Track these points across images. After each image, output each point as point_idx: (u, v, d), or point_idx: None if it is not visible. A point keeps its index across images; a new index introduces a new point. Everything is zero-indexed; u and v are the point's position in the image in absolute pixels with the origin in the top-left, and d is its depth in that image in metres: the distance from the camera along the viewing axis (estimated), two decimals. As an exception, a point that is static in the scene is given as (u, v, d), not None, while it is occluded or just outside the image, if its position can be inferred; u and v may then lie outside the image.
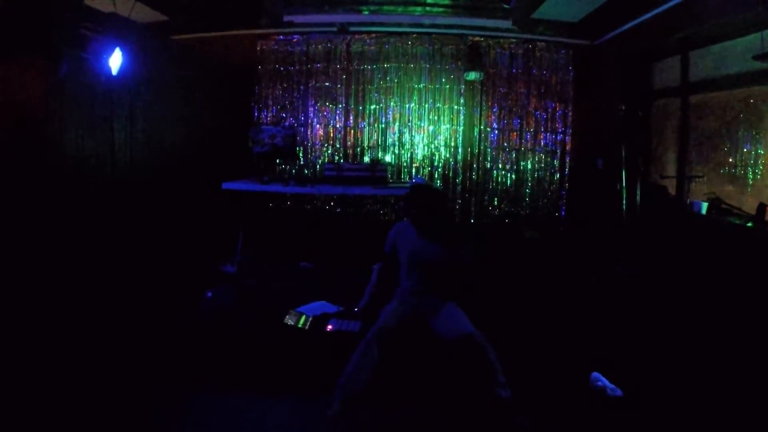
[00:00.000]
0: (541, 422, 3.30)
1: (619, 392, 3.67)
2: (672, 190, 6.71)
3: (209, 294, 5.13)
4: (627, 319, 5.06)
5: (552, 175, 8.42)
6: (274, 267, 6.67)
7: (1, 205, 5.19)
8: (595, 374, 3.85)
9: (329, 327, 4.37)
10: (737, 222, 5.33)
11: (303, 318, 4.66)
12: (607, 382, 3.75)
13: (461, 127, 8.36)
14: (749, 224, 5.13)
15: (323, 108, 8.41)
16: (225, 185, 6.31)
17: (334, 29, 8.08)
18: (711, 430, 3.30)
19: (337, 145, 8.40)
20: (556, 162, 8.41)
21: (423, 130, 8.37)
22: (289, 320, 4.67)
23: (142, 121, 6.92)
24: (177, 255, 6.30)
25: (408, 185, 6.47)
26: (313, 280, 6.24)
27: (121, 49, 5.94)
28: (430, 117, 8.35)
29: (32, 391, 3.52)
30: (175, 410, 3.50)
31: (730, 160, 6.02)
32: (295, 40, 8.32)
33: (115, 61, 5.94)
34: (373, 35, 8.27)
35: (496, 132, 8.37)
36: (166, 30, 7.90)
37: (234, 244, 6.51)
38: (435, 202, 3.78)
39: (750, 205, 5.44)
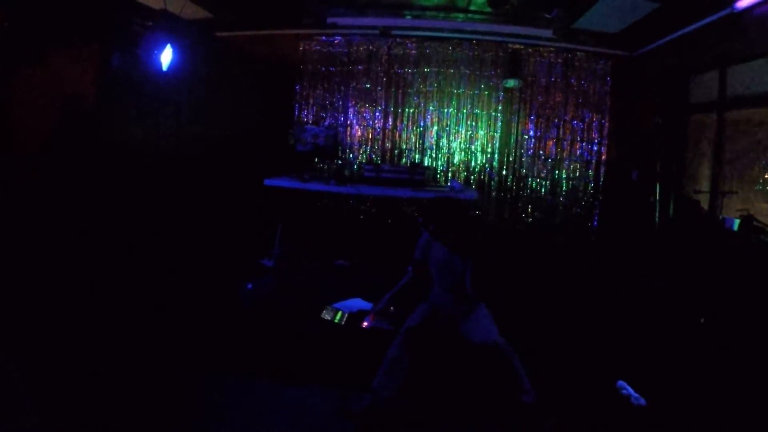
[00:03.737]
0: (565, 428, 3.41)
1: (643, 401, 3.76)
2: (705, 205, 6.73)
3: (249, 286, 5.30)
4: (653, 331, 5.12)
5: (586, 184, 8.48)
6: (311, 263, 6.84)
7: (54, 187, 5.39)
8: (621, 383, 3.95)
9: (365, 324, 4.50)
10: (768, 239, 5.37)
11: (339, 314, 4.82)
12: (632, 391, 3.84)
13: (498, 134, 8.47)
14: (780, 242, 5.17)
15: (362, 109, 8.59)
16: (267, 182, 6.47)
17: (377, 32, 8.23)
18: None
19: (375, 147, 8.57)
20: (590, 172, 8.46)
21: (460, 135, 8.50)
22: (326, 315, 4.84)
23: (188, 115, 7.13)
24: (218, 247, 6.49)
25: (445, 189, 6.60)
26: (348, 277, 6.39)
27: (171, 46, 6.16)
28: (468, 122, 8.48)
29: (85, 369, 3.73)
30: (212, 393, 3.69)
31: (766, 176, 6.04)
32: (336, 41, 8.49)
33: (166, 57, 6.16)
34: (414, 39, 8.41)
35: (533, 140, 8.46)
36: (212, 27, 8.12)
37: (273, 239, 6.70)
38: (452, 217, 3.87)
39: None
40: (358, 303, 5.15)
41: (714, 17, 6.11)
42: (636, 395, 3.80)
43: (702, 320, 5.18)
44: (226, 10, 7.74)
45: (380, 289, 4.91)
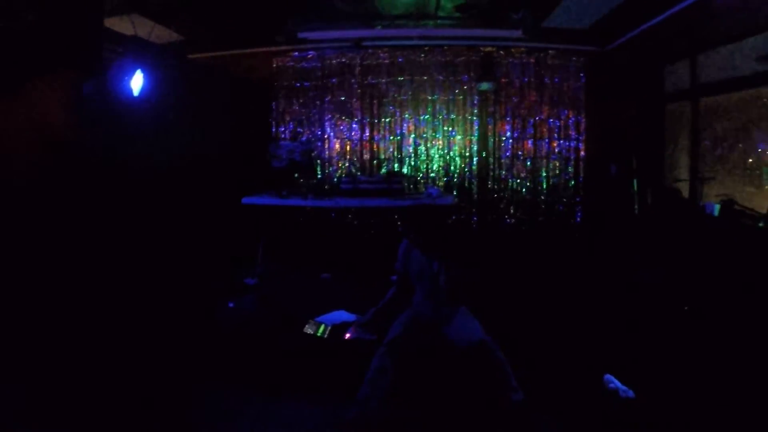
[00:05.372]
0: (554, 423, 3.39)
1: (631, 393, 3.74)
2: (685, 193, 6.75)
3: (231, 304, 5.27)
4: (639, 322, 5.11)
5: (567, 182, 8.49)
6: (294, 278, 6.81)
7: (27, 217, 5.34)
8: (608, 376, 3.92)
9: (347, 335, 4.47)
10: (749, 223, 5.37)
11: (322, 327, 4.78)
12: (619, 384, 3.82)
13: (475, 137, 8.49)
14: (761, 224, 5.17)
15: (339, 122, 8.59)
16: (245, 200, 6.46)
17: (349, 44, 8.24)
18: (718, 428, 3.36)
19: (354, 159, 8.56)
20: (570, 169, 8.48)
21: (438, 141, 8.50)
22: (309, 329, 4.79)
23: (163, 140, 7.08)
24: (200, 268, 6.45)
25: (422, 196, 6.58)
26: (331, 290, 6.37)
27: (142, 71, 6.14)
28: (445, 128, 8.49)
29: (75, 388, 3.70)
30: (201, 413, 3.65)
31: (748, 161, 6.06)
32: (309, 56, 8.51)
33: (137, 82, 6.14)
34: (386, 49, 8.43)
35: (511, 141, 8.46)
36: (184, 50, 8.10)
37: (255, 257, 6.65)
38: (430, 223, 3.90)
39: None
40: (341, 315, 5.12)
41: (682, 5, 6.15)
42: (624, 388, 3.79)
43: (686, 308, 5.17)
44: (197, 33, 7.74)
45: (364, 300, 4.90)
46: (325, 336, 4.71)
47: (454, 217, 8.36)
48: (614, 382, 3.86)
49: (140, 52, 6.34)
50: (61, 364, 4.09)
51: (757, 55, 5.26)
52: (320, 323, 4.85)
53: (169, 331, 4.86)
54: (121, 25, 6.52)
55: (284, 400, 3.81)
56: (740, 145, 6.15)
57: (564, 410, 3.60)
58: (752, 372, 3.97)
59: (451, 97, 8.45)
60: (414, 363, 3.72)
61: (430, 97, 8.46)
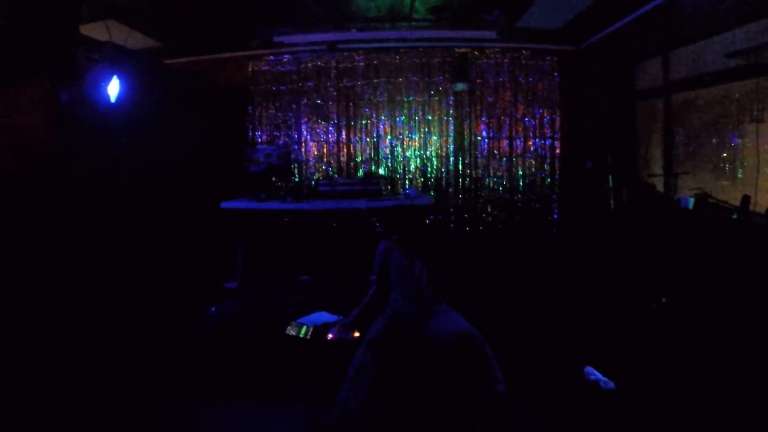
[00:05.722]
0: (537, 415, 3.41)
1: (611, 385, 3.79)
2: (660, 188, 6.84)
3: (213, 309, 5.25)
4: (618, 315, 5.18)
5: (543, 179, 8.55)
6: (275, 281, 6.81)
7: (7, 225, 5.29)
8: (589, 368, 3.97)
9: (330, 336, 4.49)
10: (723, 215, 5.48)
11: (304, 328, 4.80)
12: (600, 376, 3.87)
13: (451, 137, 8.51)
14: (734, 216, 5.27)
15: (316, 125, 8.57)
16: (224, 204, 6.44)
17: (324, 48, 8.24)
18: (699, 418, 3.41)
19: (332, 161, 8.55)
20: (546, 167, 8.54)
21: (414, 142, 8.53)
22: (291, 331, 4.82)
23: (141, 145, 7.05)
24: (179, 274, 6.41)
25: (400, 196, 6.62)
26: (311, 292, 6.40)
27: (118, 77, 6.10)
28: (421, 129, 8.51)
29: (47, 403, 3.65)
30: (183, 418, 3.63)
31: (722, 155, 6.16)
32: (285, 59, 8.48)
33: (114, 89, 6.11)
34: (362, 52, 8.44)
35: (486, 140, 8.52)
36: (159, 55, 8.06)
37: (235, 261, 6.63)
38: (409, 223, 3.96)
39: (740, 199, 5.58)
40: (322, 316, 5.15)
41: (652, 5, 6.23)
42: (604, 379, 3.83)
43: (663, 299, 5.25)
44: (173, 38, 7.69)
45: (343, 301, 4.93)
46: (308, 337, 4.74)
47: (432, 218, 8.39)
48: (595, 373, 3.91)
49: (116, 58, 6.30)
50: (34, 372, 4.06)
51: (727, 52, 5.36)
52: (302, 324, 4.87)
53: (150, 336, 4.84)
54: (96, 31, 6.46)
55: (266, 404, 3.79)
56: (713, 140, 6.26)
57: (546, 402, 3.63)
58: (728, 360, 4.06)
59: (426, 98, 8.48)
60: (395, 362, 3.74)
61: (405, 99, 8.47)
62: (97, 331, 4.86)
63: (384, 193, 7.05)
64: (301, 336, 4.74)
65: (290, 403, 3.80)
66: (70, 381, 4.00)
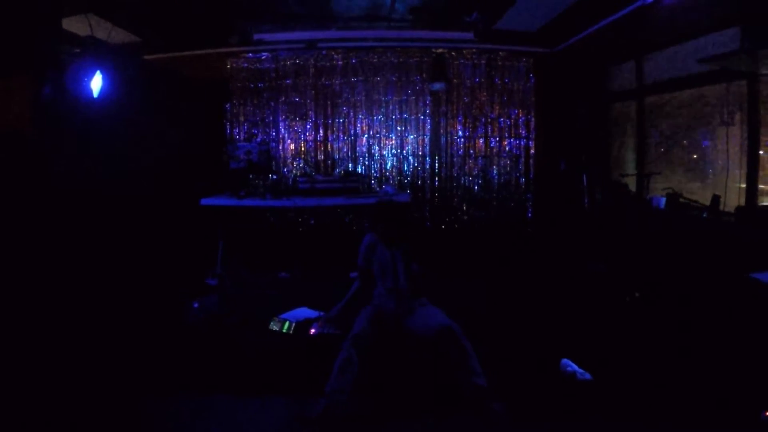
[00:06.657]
0: (515, 407, 3.49)
1: (588, 376, 3.90)
2: (633, 187, 7.01)
3: (195, 305, 5.26)
4: (594, 309, 5.31)
5: (518, 179, 8.72)
6: (255, 277, 6.82)
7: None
8: (565, 360, 4.07)
9: (312, 331, 4.55)
10: (693, 214, 5.67)
11: (287, 324, 4.85)
12: (576, 368, 3.97)
13: (428, 137, 8.62)
14: (704, 215, 5.46)
15: (294, 123, 8.61)
16: (203, 201, 6.44)
17: (303, 46, 8.28)
18: (672, 406, 3.54)
19: (308, 159, 8.58)
20: (521, 166, 8.71)
21: (391, 141, 8.62)
22: (274, 326, 4.87)
23: (121, 141, 7.00)
24: (161, 270, 6.39)
25: (379, 194, 6.68)
26: (291, 288, 6.43)
27: (101, 72, 6.06)
28: (398, 128, 8.60)
29: (33, 397, 3.65)
30: (166, 413, 3.62)
31: (693, 156, 6.35)
32: (264, 57, 8.50)
33: (96, 83, 6.06)
34: (340, 51, 8.50)
35: (462, 140, 8.65)
36: (139, 50, 7.99)
37: (215, 258, 6.64)
38: (397, 216, 4.06)
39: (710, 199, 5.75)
40: (304, 312, 5.20)
41: (627, 10, 6.36)
42: (581, 371, 3.93)
43: (636, 294, 5.40)
44: (153, 34, 7.66)
45: (323, 296, 4.99)
46: (291, 332, 4.79)
47: (407, 216, 8.47)
48: (571, 365, 4.00)
49: (98, 53, 6.26)
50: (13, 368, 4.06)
51: (699, 57, 5.54)
52: (285, 320, 4.91)
53: (132, 331, 4.85)
54: (78, 25, 6.42)
55: (251, 399, 3.78)
56: (684, 142, 6.45)
57: (524, 394, 3.71)
58: (698, 349, 4.20)
59: (404, 98, 8.57)
60: (379, 355, 3.82)
61: (383, 98, 8.56)
62: (77, 326, 4.83)
63: (362, 190, 7.10)
64: (284, 331, 4.80)
65: (275, 397, 3.80)
66: (49, 376, 3.98)
